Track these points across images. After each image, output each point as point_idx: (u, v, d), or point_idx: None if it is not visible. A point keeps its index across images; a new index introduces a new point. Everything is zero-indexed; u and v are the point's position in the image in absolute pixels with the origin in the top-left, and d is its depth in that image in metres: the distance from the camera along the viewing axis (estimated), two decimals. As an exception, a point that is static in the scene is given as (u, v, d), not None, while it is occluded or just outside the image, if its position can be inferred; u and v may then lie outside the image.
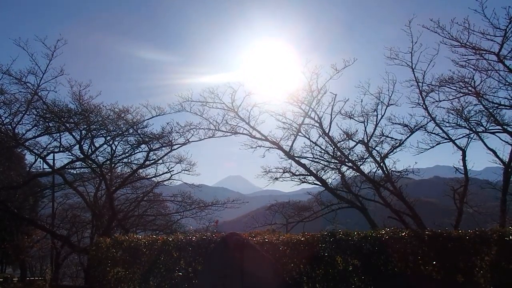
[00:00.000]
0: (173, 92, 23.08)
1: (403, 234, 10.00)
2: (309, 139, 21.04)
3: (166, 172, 24.19)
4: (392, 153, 19.86)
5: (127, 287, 11.60)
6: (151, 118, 21.98)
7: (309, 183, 21.91)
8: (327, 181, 21.48)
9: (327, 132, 20.50)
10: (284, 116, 21.09)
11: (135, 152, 23.17)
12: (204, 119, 21.18)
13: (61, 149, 21.57)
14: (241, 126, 21.26)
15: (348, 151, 20.78)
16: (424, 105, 18.47)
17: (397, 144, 19.62)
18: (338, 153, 20.74)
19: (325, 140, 20.86)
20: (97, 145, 22.14)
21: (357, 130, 20.73)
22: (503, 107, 16.48)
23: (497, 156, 17.03)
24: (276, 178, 21.76)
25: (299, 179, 21.78)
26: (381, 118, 19.84)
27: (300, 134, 21.07)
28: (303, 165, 21.10)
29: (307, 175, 21.47)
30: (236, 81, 21.36)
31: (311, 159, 21.39)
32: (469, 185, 18.17)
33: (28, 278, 25.01)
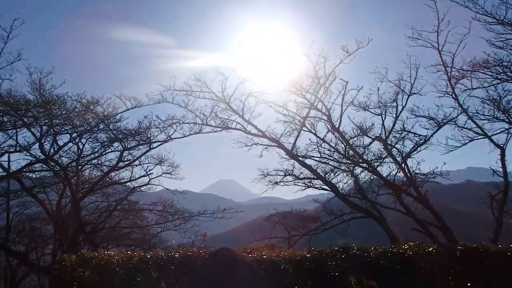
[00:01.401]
0: (154, 80, 22.99)
1: (430, 249, 9.91)
2: (315, 134, 21.08)
3: (143, 176, 24.14)
4: (415, 151, 19.90)
5: (96, 314, 11.46)
6: (125, 110, 21.86)
7: (315, 188, 22.01)
8: (337, 185, 21.57)
9: (337, 126, 20.48)
10: (285, 107, 21.17)
11: (107, 151, 23.03)
12: (189, 111, 21.18)
13: (17, 149, 21.31)
14: (233, 120, 21.36)
15: (363, 150, 20.82)
16: (453, 94, 18.50)
17: (422, 141, 19.64)
18: (351, 152, 20.76)
19: (335, 136, 20.91)
20: (60, 143, 21.93)
21: (373, 124, 20.72)
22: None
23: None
24: (276, 183, 21.83)
25: (304, 183, 21.88)
26: (402, 109, 19.85)
27: (304, 129, 21.14)
28: (309, 167, 21.10)
29: (313, 178, 21.58)
30: (227, 65, 21.18)
31: (318, 159, 21.49)
32: (510, 190, 18.07)
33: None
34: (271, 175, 21.92)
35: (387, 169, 22.04)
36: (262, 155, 21.75)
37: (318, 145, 21.17)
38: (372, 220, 20.45)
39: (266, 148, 21.46)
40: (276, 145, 21.16)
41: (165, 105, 21.42)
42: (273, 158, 23.02)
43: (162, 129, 21.87)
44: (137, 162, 23.62)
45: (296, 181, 21.88)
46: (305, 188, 22.14)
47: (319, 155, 21.37)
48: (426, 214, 19.01)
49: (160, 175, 24.26)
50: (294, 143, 21.17)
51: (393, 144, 20.25)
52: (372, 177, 21.67)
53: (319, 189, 22.11)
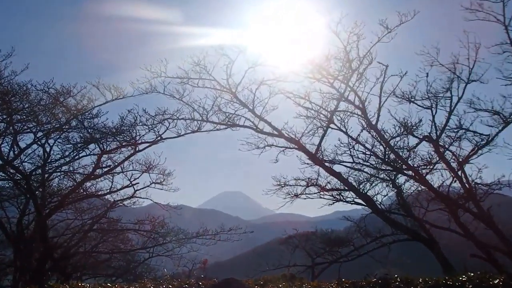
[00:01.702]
0: (148, 64, 22.98)
1: (495, 281, 9.85)
2: (346, 133, 21.09)
3: (127, 186, 24.27)
4: (475, 155, 19.73)
5: None
6: (105, 103, 22.04)
7: (346, 202, 22.10)
8: (374, 199, 21.57)
9: (374, 123, 20.46)
10: (307, 99, 21.23)
11: (81, 155, 23.29)
12: (185, 104, 21.37)
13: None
14: (241, 115, 21.53)
15: (407, 153, 20.73)
16: (525, 81, 18.22)
17: (484, 142, 19.44)
18: (392, 156, 20.71)
19: (372, 136, 20.89)
20: (22, 145, 22.24)
21: (420, 120, 20.56)
22: None
23: None
24: (296, 195, 21.95)
25: (332, 196, 21.99)
26: (458, 101, 19.63)
27: (332, 126, 21.17)
28: (338, 175, 21.16)
29: (343, 190, 21.67)
30: (234, 45, 21.21)
31: (349, 165, 21.51)
32: None
33: None
34: (290, 185, 22.03)
35: (439, 177, 21.81)
36: (278, 160, 21.79)
37: (350, 147, 21.15)
38: (420, 244, 20.29)
39: (283, 151, 21.52)
40: (296, 147, 21.19)
41: (154, 97, 21.76)
42: (292, 163, 23.16)
43: (150, 126, 22.09)
44: (119, 169, 23.82)
45: (321, 193, 21.97)
46: (333, 203, 22.24)
47: (351, 160, 21.38)
48: (490, 235, 18.81)
49: (148, 186, 24.38)
50: (319, 144, 21.21)
51: (446, 146, 20.08)
52: (419, 188, 21.58)
53: (351, 204, 22.16)
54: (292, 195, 21.98)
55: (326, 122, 21.16)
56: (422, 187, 21.04)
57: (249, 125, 21.47)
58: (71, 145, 22.82)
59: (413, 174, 20.57)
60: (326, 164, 21.28)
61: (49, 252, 23.12)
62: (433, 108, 20.11)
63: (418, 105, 20.33)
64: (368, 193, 21.41)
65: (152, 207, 26.32)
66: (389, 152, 20.70)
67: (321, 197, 22.11)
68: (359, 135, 21.10)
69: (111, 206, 26.44)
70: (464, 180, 19.61)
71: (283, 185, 22.04)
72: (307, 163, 21.61)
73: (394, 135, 20.61)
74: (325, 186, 21.94)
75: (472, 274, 10.48)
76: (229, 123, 21.59)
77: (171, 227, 26.83)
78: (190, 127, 21.69)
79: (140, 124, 22.10)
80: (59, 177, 25.12)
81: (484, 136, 19.55)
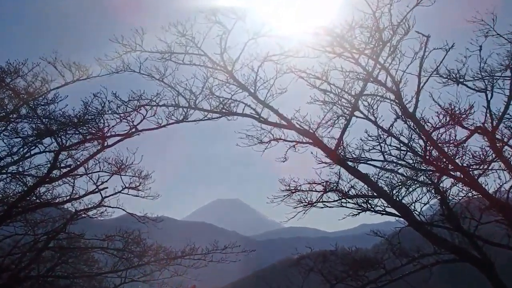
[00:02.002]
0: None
1: None
2: (375, 123, 21.12)
3: (93, 192, 24.39)
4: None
5: None
6: (64, 86, 22.11)
7: (375, 212, 22.15)
8: (411, 208, 21.71)
9: (411, 110, 20.44)
10: (325, 79, 21.27)
11: (32, 152, 23.24)
12: (168, 86, 21.43)
13: None
14: (239, 100, 21.60)
15: (455, 149, 20.67)
16: None
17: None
18: (435, 152, 20.72)
19: (408, 127, 20.90)
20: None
21: (471, 107, 20.44)
22: None
23: None
24: (311, 203, 22.11)
25: (357, 204, 22.13)
26: (521, 82, 19.57)
27: (357, 114, 21.24)
28: (364, 177, 21.25)
29: (371, 196, 21.82)
30: (229, 8, 21.10)
31: (379, 164, 21.63)
32: None
33: None
34: (303, 191, 22.14)
35: (495, 180, 21.75)
36: (286, 158, 21.96)
37: (380, 141, 21.13)
38: (470, 266, 20.32)
39: (293, 146, 21.68)
40: (311, 141, 21.28)
41: (128, 77, 21.71)
42: (306, 162, 23.20)
43: (123, 115, 22.00)
44: (82, 170, 23.85)
45: (343, 200, 22.09)
46: (359, 213, 22.27)
47: (381, 158, 21.37)
48: None
49: (120, 191, 24.51)
50: (341, 138, 21.27)
51: (505, 140, 20.03)
52: (470, 194, 21.51)
53: (382, 214, 22.15)
54: (306, 203, 22.05)
55: (350, 109, 21.23)
56: (474, 192, 20.95)
57: (249, 113, 21.52)
58: (20, 139, 22.75)
59: (462, 176, 20.49)
60: (349, 163, 21.34)
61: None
62: (488, 91, 20.03)
63: (469, 87, 20.27)
64: (403, 201, 21.51)
65: (125, 219, 26.35)
66: (431, 147, 20.64)
67: (342, 206, 22.21)
68: (392, 125, 21.07)
69: (72, 218, 26.38)
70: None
71: (293, 191, 22.11)
72: (325, 163, 21.64)
73: (438, 126, 20.52)
74: (348, 191, 22.03)
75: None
76: (223, 110, 21.66)
77: (149, 245, 26.76)
78: (173, 115, 21.72)
79: (110, 112, 22.00)
80: (4, 180, 24.93)
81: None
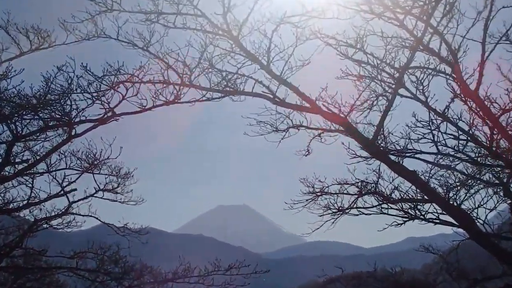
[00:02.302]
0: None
1: None
2: (426, 105, 21.00)
3: (57, 195, 24.39)
4: None
5: None
6: (18, 56, 22.27)
7: (426, 220, 22.08)
8: (473, 214, 21.67)
9: (473, 87, 20.24)
10: (360, 47, 21.24)
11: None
12: (154, 57, 21.36)
13: None
14: (248, 75, 21.51)
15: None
16: None
17: None
18: (503, 143, 20.61)
19: (469, 109, 20.69)
20: None
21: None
22: None
23: None
24: (342, 210, 22.20)
25: (401, 210, 22.15)
26: None
27: (402, 93, 21.24)
28: (412, 176, 21.04)
29: (420, 201, 21.80)
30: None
31: (432, 158, 21.62)
32: None
33: None
34: (331, 194, 22.19)
35: None
36: (309, 151, 22.18)
37: (433, 127, 21.03)
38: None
39: (318, 135, 21.76)
40: (342, 128, 21.24)
41: (102, 45, 21.57)
42: (334, 156, 23.10)
43: (96, 95, 21.87)
44: (43, 166, 23.85)
45: (384, 206, 22.13)
46: (404, 222, 22.23)
47: (434, 150, 21.29)
48: None
49: (93, 195, 24.64)
50: (381, 124, 21.17)
51: None
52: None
53: (434, 224, 22.06)
54: (335, 210, 22.09)
55: (393, 87, 21.20)
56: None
57: (261, 92, 21.42)
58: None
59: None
60: (392, 157, 21.26)
61: None
62: None
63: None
64: (463, 206, 21.33)
65: (99, 230, 26.36)
66: (499, 136, 20.47)
67: (383, 213, 22.21)
68: (447, 107, 20.93)
69: (30, 229, 26.38)
70: None
71: (319, 193, 22.18)
72: (361, 157, 21.61)
73: (508, 107, 20.35)
74: (390, 194, 22.04)
75: None
76: (227, 88, 21.60)
77: (131, 264, 26.75)
78: (162, 95, 21.53)
79: (79, 91, 21.84)
80: None
81: None
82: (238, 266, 26.18)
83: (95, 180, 24.26)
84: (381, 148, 21.20)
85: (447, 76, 20.71)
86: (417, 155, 21.49)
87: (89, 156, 23.79)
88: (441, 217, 21.53)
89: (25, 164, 23.53)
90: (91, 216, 24.97)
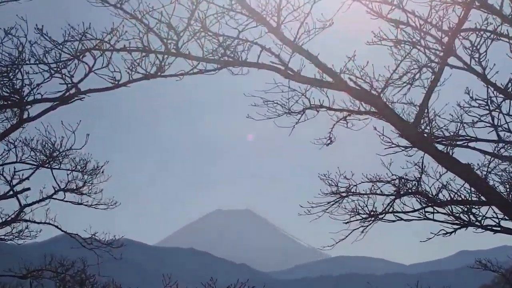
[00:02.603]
0: None
1: None
2: (483, 78, 20.93)
3: (4, 197, 24.39)
4: None
5: None
6: None
7: (483, 228, 22.07)
8: None
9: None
10: (398, 4, 21.03)
11: None
12: (131, 18, 21.17)
13: None
14: (252, 40, 21.45)
15: None
16: None
17: None
18: None
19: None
20: None
21: None
22: None
23: None
24: (376, 216, 22.26)
25: (451, 214, 22.09)
26: None
27: (452, 63, 21.18)
28: (465, 170, 20.75)
29: (476, 203, 21.73)
30: None
31: (491, 147, 21.78)
32: None
33: None
34: (360, 194, 22.32)
35: None
36: (332, 139, 22.37)
37: (492, 108, 21.10)
38: None
39: (344, 119, 21.90)
40: (374, 109, 21.18)
41: (63, 2, 21.45)
42: (364, 146, 23.18)
43: (55, 67, 21.80)
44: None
45: (428, 210, 22.10)
46: (454, 231, 22.25)
47: (494, 137, 21.42)
48: None
49: (51, 196, 24.72)
50: (425, 104, 21.03)
51: None
52: None
53: (494, 232, 22.03)
54: (366, 215, 22.13)
55: (440, 55, 21.12)
56: None
57: (269, 62, 21.27)
58: None
59: None
60: (440, 146, 21.22)
61: None
62: None
63: None
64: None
65: (59, 242, 26.43)
66: None
67: (427, 219, 22.17)
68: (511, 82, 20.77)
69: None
70: None
71: (345, 194, 22.25)
72: (398, 146, 21.68)
73: None
74: (437, 194, 22.10)
75: None
76: (225, 58, 21.49)
77: (101, 285, 26.88)
78: (140, 66, 21.45)
79: (33, 61, 21.81)
80: None
81: None
82: None
83: (54, 177, 24.30)
84: (425, 135, 21.13)
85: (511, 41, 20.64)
86: (471, 144, 21.47)
87: (46, 146, 23.82)
88: (503, 223, 21.45)
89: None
90: (48, 223, 25.01)
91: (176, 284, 26.40)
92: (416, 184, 21.92)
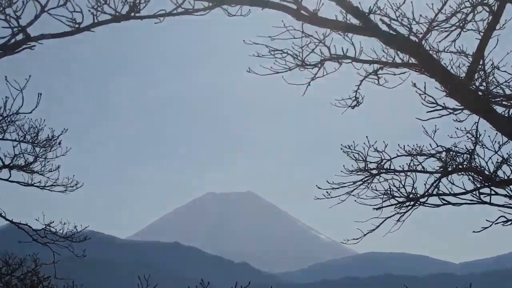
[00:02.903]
0: None
1: None
2: None
3: None
4: None
5: None
6: None
7: None
8: None
9: None
10: None
11: None
12: None
13: None
14: None
15: None
16: None
17: None
18: None
19: None
20: None
21: None
22: None
23: None
24: (416, 200, 22.18)
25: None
26: None
27: None
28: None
29: None
30: None
31: None
32: None
33: None
34: (395, 171, 22.22)
35: None
36: (359, 99, 22.29)
37: None
38: None
39: (374, 73, 21.85)
40: (413, 60, 21.13)
41: None
42: (400, 108, 23.16)
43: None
44: None
45: (483, 191, 21.95)
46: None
47: None
48: None
49: None
50: (480, 53, 20.99)
51: None
52: None
53: None
54: (403, 198, 22.02)
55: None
56: None
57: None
58: None
59: None
60: (499, 108, 21.18)
61: None
62: None
63: None
64: None
65: (4, 235, 26.47)
66: None
67: (482, 202, 22.03)
68: None
69: None
70: None
71: (375, 171, 22.28)
72: (446, 108, 21.44)
73: None
74: (495, 172, 21.92)
75: None
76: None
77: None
78: (108, 5, 21.28)
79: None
80: None
81: None
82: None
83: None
84: (480, 94, 20.97)
85: None
86: None
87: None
88: None
89: None
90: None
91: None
92: (469, 158, 21.80)
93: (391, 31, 20.88)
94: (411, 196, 22.04)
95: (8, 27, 21.67)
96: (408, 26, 21.02)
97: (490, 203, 22.05)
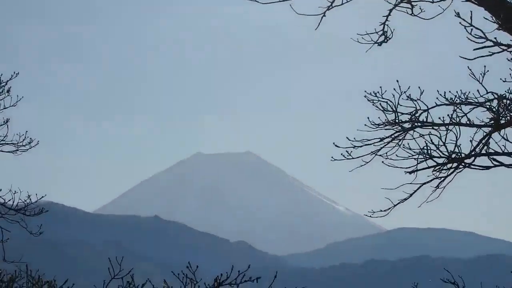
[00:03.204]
0: None
1: None
2: None
3: None
4: None
5: None
6: None
7: None
8: None
9: None
10: None
11: None
12: None
13: None
14: None
15: None
16: None
17: None
18: None
19: None
20: None
21: None
22: None
23: None
24: (461, 161, 22.13)
25: None
26: None
27: None
28: None
29: None
30: None
31: None
32: None
33: None
34: (436, 125, 22.15)
35: None
36: (387, 34, 22.02)
37: None
38: None
39: None
40: None
41: None
42: (441, 44, 23.17)
43: None
44: None
45: None
46: None
47: None
48: None
49: None
50: None
51: None
52: None
53: None
54: (444, 159, 22.09)
55: None
56: None
57: None
58: None
59: None
60: None
61: None
62: None
63: None
64: None
65: None
66: None
67: None
68: None
69: None
70: None
71: (409, 125, 22.19)
72: (498, 44, 21.48)
73: None
74: None
75: None
76: None
77: (10, 275, 27.31)
78: None
79: None
80: None
81: None
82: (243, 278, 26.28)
83: None
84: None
85: None
86: None
87: None
88: None
89: None
90: None
91: (131, 275, 26.54)
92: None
93: None
94: (453, 156, 22.11)
95: None
96: None
97: None
